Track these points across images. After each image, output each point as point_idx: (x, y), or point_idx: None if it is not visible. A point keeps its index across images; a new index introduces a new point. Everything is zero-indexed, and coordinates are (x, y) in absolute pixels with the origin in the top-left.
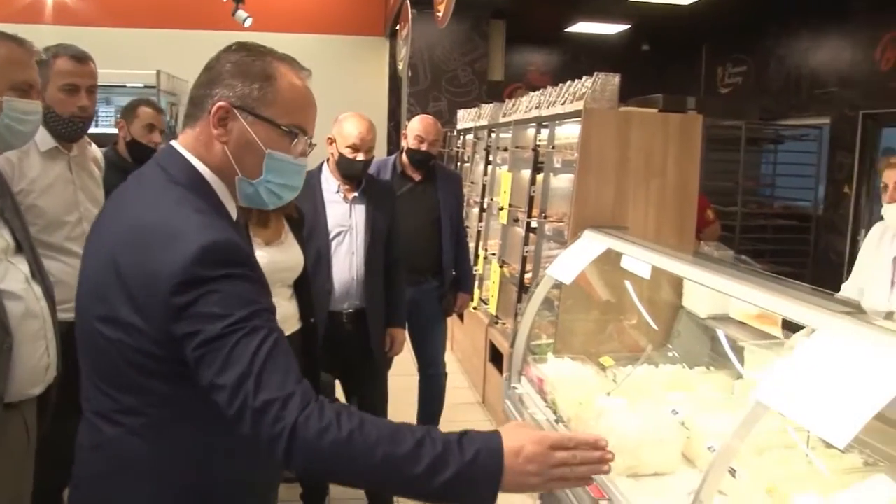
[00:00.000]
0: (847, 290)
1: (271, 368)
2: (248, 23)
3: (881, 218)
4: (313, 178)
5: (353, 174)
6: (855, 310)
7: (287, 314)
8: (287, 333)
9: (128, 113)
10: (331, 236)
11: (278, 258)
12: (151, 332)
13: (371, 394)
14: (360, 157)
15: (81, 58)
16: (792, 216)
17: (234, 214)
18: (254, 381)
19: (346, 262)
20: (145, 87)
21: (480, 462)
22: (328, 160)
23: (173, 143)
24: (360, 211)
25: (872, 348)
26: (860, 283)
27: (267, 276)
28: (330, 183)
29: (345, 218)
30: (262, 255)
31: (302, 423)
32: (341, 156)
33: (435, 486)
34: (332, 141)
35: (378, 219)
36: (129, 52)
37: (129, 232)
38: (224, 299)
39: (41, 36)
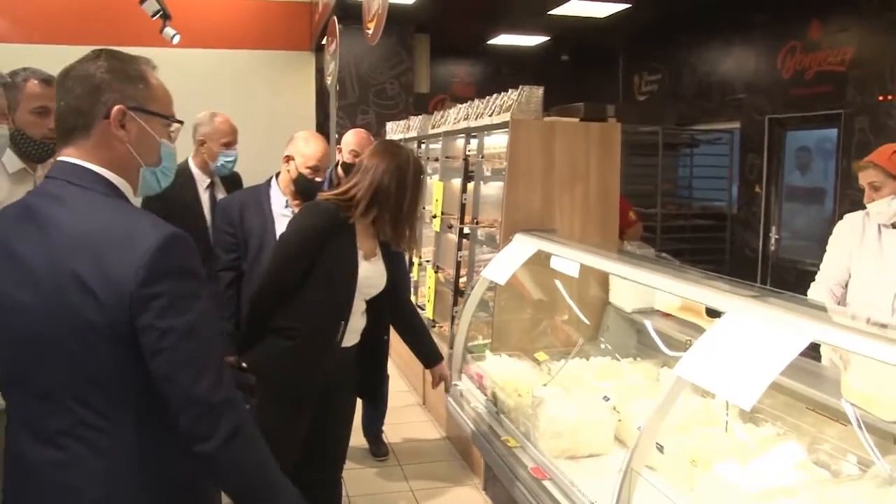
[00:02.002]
0: (817, 290)
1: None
2: (175, 39)
3: (839, 217)
4: (261, 194)
5: (311, 192)
6: (759, 293)
7: (355, 327)
8: (351, 344)
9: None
10: None
11: (372, 272)
12: (117, 327)
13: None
14: (318, 178)
15: (50, 80)
16: (709, 216)
17: None
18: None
19: None
20: None
21: None
22: (277, 175)
23: (67, 158)
24: None
25: (773, 325)
26: (833, 278)
27: (359, 287)
28: (279, 198)
29: None
30: (362, 267)
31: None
32: (301, 175)
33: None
34: (289, 159)
35: None
36: (56, 69)
37: (84, 244)
38: (182, 297)
39: None
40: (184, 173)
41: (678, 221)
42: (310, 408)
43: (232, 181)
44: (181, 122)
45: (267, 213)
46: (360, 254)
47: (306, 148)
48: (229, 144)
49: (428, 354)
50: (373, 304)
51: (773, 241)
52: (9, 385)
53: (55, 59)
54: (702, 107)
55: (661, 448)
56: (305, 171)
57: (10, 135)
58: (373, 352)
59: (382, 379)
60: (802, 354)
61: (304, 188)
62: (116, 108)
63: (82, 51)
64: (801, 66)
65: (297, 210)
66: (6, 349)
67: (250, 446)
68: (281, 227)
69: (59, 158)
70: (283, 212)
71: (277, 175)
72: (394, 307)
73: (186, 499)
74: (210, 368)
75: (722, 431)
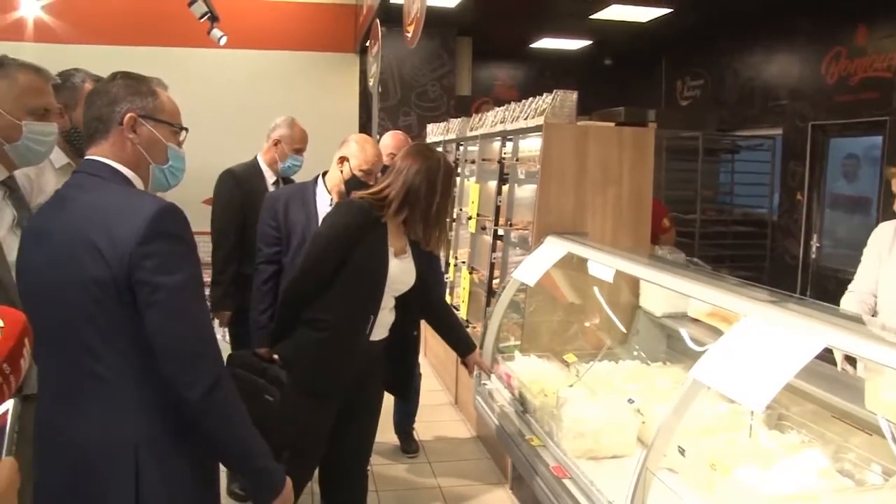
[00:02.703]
0: (849, 300)
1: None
2: (223, 41)
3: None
4: (308, 191)
5: None
6: (779, 299)
7: (384, 322)
8: (380, 338)
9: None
10: None
11: (401, 269)
12: (119, 283)
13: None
14: (370, 181)
15: None
16: (749, 222)
17: None
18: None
19: None
20: None
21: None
22: (324, 174)
23: (91, 156)
24: None
25: (788, 329)
26: (866, 287)
27: (390, 283)
28: (324, 196)
29: None
30: (393, 264)
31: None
32: (353, 177)
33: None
34: (343, 160)
35: None
36: (108, 70)
37: (95, 215)
38: (173, 257)
39: (23, 54)
40: (254, 168)
41: (718, 228)
42: (338, 400)
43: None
44: (186, 129)
45: (311, 210)
46: (391, 251)
47: (362, 152)
48: (300, 150)
49: (459, 344)
50: (402, 301)
51: (814, 249)
52: (36, 346)
53: (107, 59)
54: (744, 113)
55: (682, 451)
56: (359, 174)
57: (67, 132)
58: (402, 347)
59: (412, 373)
60: (830, 363)
61: (355, 189)
62: (128, 115)
63: (132, 51)
64: (845, 72)
65: None
66: (31, 311)
67: (232, 400)
68: None
69: (85, 157)
70: (327, 210)
71: (324, 174)
72: (427, 307)
73: (182, 445)
74: (195, 323)
75: (746, 437)
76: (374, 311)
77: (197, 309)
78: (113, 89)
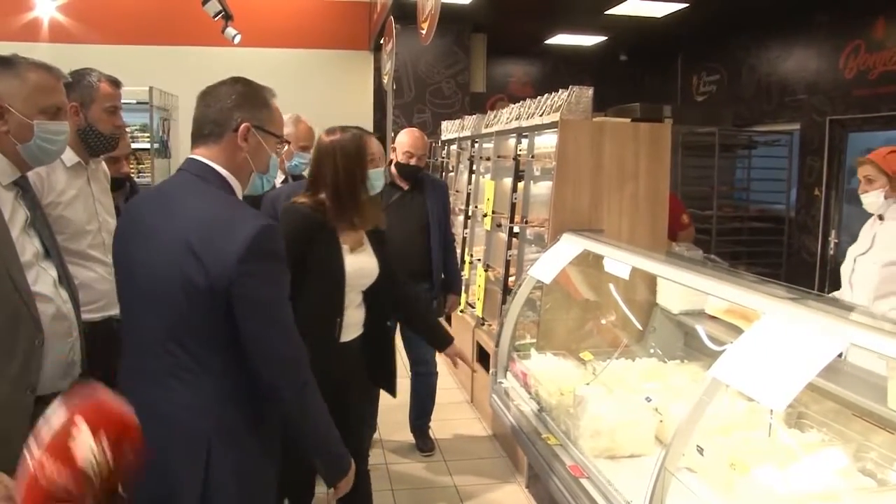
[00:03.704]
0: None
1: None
2: (237, 39)
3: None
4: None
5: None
6: (799, 296)
7: (353, 321)
8: (352, 338)
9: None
10: None
11: (361, 264)
12: (216, 290)
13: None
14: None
15: (118, 82)
16: (766, 219)
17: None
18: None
19: None
20: (138, 102)
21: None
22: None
23: (196, 156)
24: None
25: (809, 327)
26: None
27: (351, 280)
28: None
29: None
30: (349, 261)
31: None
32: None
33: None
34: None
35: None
36: (122, 69)
37: (199, 222)
38: (271, 274)
39: (38, 54)
40: None
41: (734, 224)
42: None
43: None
44: (288, 143)
45: None
46: (345, 248)
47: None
48: (306, 148)
49: (436, 337)
50: (371, 293)
51: (832, 245)
52: (127, 332)
53: (121, 58)
54: (761, 108)
55: (700, 450)
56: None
57: (82, 130)
58: (379, 339)
59: (392, 364)
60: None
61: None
62: (244, 125)
63: (145, 51)
64: (864, 66)
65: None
66: (127, 300)
67: (317, 397)
68: None
69: (190, 156)
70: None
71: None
72: (398, 301)
73: (251, 433)
74: (289, 332)
75: (765, 436)
76: (339, 314)
77: (289, 318)
78: (232, 95)
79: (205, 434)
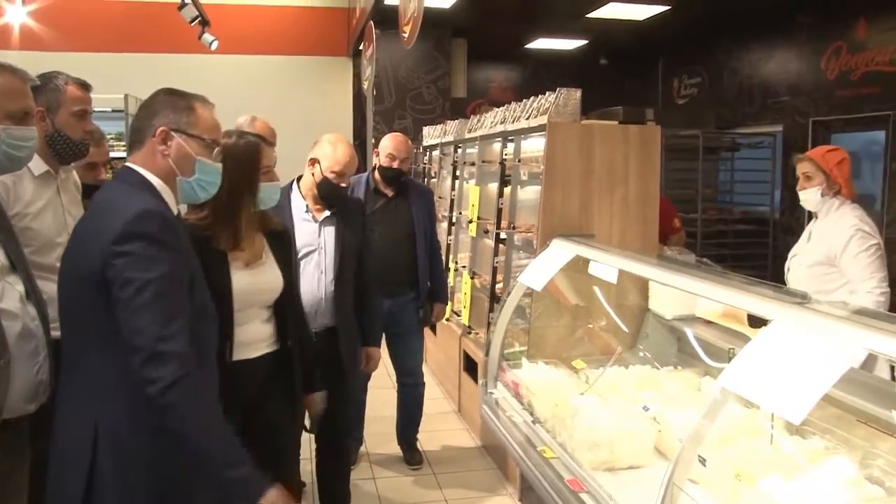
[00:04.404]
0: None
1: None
2: (213, 46)
3: None
4: (282, 197)
5: (334, 198)
6: (804, 300)
7: (263, 335)
8: (258, 354)
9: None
10: (299, 255)
11: (257, 279)
12: (96, 276)
13: (344, 413)
14: (343, 183)
15: (87, 85)
16: (751, 221)
17: (174, 210)
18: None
19: (315, 280)
20: (113, 111)
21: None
22: (299, 179)
23: (128, 163)
24: (329, 231)
25: (822, 334)
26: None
27: (244, 298)
28: (299, 203)
29: (313, 238)
30: (241, 277)
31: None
32: (325, 179)
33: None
34: (314, 162)
35: (348, 237)
36: (97, 77)
37: (95, 211)
38: (146, 258)
39: (9, 61)
40: None
41: (719, 226)
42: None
43: None
44: (219, 145)
45: (287, 217)
46: (239, 264)
47: (333, 152)
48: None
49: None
50: (279, 306)
51: None
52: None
53: (95, 66)
54: (743, 110)
55: (703, 461)
56: (331, 176)
57: (50, 135)
58: (301, 349)
59: (311, 371)
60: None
61: (328, 192)
62: (161, 129)
63: (120, 58)
64: (846, 67)
65: (317, 215)
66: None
67: (195, 402)
68: (300, 232)
69: (123, 165)
70: (303, 216)
71: (299, 178)
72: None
73: (140, 433)
74: (162, 322)
75: (767, 444)
76: (229, 334)
77: (163, 308)
78: (153, 103)
79: (91, 424)
